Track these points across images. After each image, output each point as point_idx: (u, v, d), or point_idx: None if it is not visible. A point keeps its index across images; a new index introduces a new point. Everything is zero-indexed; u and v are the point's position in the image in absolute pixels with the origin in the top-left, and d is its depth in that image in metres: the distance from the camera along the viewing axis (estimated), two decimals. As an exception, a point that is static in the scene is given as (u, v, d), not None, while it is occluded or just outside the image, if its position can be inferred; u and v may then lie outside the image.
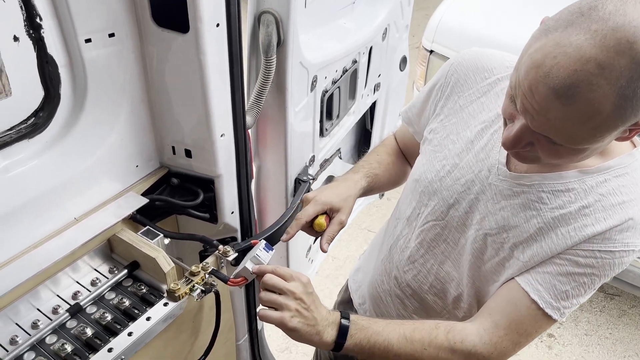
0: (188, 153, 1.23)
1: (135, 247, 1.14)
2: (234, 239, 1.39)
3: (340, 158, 2.16)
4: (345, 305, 1.64)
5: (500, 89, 1.16)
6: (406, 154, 1.48)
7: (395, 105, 2.26)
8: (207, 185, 1.26)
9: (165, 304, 1.10)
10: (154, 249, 1.14)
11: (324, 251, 1.28)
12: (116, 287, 1.15)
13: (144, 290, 1.13)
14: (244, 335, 1.62)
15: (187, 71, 1.09)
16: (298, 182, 1.61)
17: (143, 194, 1.23)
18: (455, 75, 1.22)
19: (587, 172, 1.04)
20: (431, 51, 3.06)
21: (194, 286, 1.12)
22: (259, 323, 1.75)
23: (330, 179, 2.08)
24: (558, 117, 0.85)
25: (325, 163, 2.00)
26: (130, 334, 1.04)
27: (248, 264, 1.15)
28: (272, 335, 2.77)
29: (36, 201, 1.04)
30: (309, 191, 1.61)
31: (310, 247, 1.97)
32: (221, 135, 1.18)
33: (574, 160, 0.99)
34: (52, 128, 1.05)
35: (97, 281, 1.14)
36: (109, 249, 1.19)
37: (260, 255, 1.16)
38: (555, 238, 1.05)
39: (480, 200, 1.14)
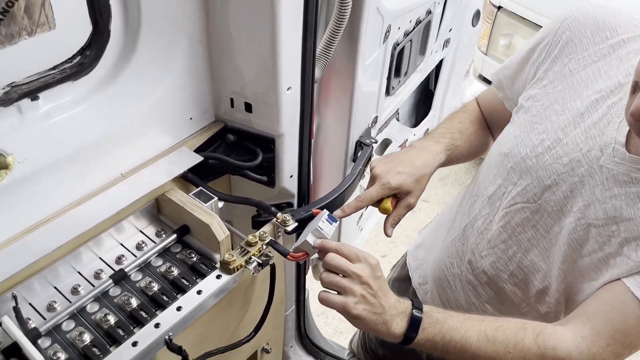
0: (248, 107, 1.08)
1: (186, 210, 1.01)
2: (290, 205, 1.26)
3: (398, 120, 1.99)
4: (402, 283, 1.51)
5: (624, 53, 0.97)
6: (490, 123, 1.30)
7: (462, 65, 2.05)
8: (267, 144, 1.11)
9: (219, 277, 0.98)
10: (208, 213, 1.01)
11: (388, 236, 1.13)
12: (164, 253, 1.03)
13: (195, 259, 1.01)
14: (291, 306, 1.51)
15: (255, 9, 0.93)
16: (359, 145, 1.46)
17: (196, 150, 1.10)
18: (567, 33, 1.03)
19: None
20: (499, 7, 2.80)
21: (250, 258, 1.00)
22: (306, 293, 1.64)
23: (385, 142, 1.92)
24: None
25: (384, 125, 1.84)
26: (179, 309, 0.92)
27: (309, 237, 1.02)
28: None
29: (80, 152, 0.91)
30: (370, 157, 1.45)
31: (361, 215, 1.83)
32: (288, 89, 1.03)
33: None
34: (100, 69, 0.91)
35: (143, 245, 1.03)
36: (157, 209, 1.07)
37: (323, 228, 1.03)
38: None
39: (586, 185, 0.97)
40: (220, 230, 0.99)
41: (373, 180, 1.14)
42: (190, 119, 1.07)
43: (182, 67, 1.00)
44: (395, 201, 1.14)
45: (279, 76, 1.00)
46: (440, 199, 3.49)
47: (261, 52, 0.98)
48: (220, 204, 1.08)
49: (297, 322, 1.60)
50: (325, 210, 1.09)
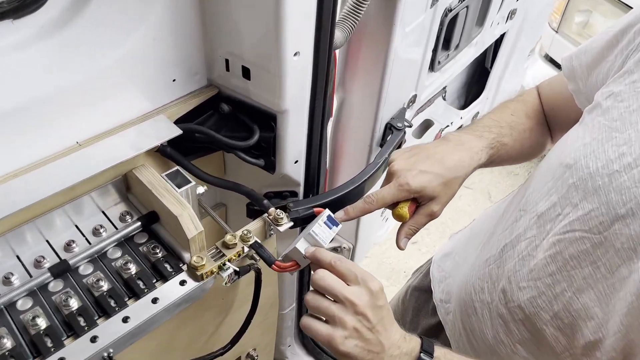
0: (246, 72, 0.86)
1: (154, 194, 0.82)
2: (294, 194, 1.05)
3: (444, 99, 1.73)
4: (422, 294, 1.29)
5: None
6: (551, 120, 1.04)
7: (527, 42, 1.76)
8: (267, 121, 0.90)
9: (183, 283, 0.79)
10: (179, 202, 0.81)
11: (400, 248, 0.91)
12: (125, 242, 0.84)
13: (159, 256, 0.82)
14: (290, 305, 1.32)
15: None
16: (390, 128, 1.22)
17: (181, 119, 0.89)
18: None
19: None
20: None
21: (224, 263, 0.80)
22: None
23: (426, 124, 1.67)
24: None
25: (427, 104, 1.59)
26: (126, 320, 0.74)
27: (301, 243, 0.81)
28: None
29: (23, 111, 0.73)
30: (401, 144, 1.22)
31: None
32: (294, 54, 0.80)
33: None
34: (50, 8, 0.71)
35: (101, 230, 0.84)
36: (125, 186, 0.88)
37: (319, 233, 0.82)
38: None
39: None
40: (192, 225, 0.79)
41: (390, 177, 0.91)
42: (174, 80, 0.86)
43: (163, 14, 0.78)
44: (415, 207, 0.90)
45: (283, 38, 0.77)
46: (485, 187, 3.20)
47: (263, 4, 0.76)
48: (201, 189, 0.88)
49: (297, 322, 1.41)
50: (327, 210, 0.88)
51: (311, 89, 0.88)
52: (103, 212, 0.87)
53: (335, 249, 1.56)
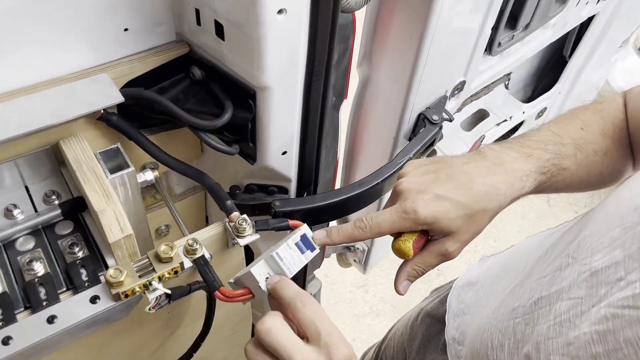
0: (219, 29, 0.64)
1: (78, 179, 0.63)
2: (283, 190, 0.84)
3: (507, 87, 1.45)
4: (434, 323, 1.07)
5: None
6: (637, 142, 0.76)
7: (620, 31, 1.43)
8: (244, 98, 0.68)
9: (95, 299, 0.60)
10: (105, 192, 0.61)
11: (399, 293, 0.68)
12: (43, 231, 0.66)
13: (78, 256, 0.64)
14: (279, 309, 1.12)
15: None
16: (423, 119, 0.98)
17: (137, 82, 0.69)
18: None
19: None
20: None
21: (150, 283, 0.60)
22: (309, 289, 1.25)
23: (480, 114, 1.40)
24: None
25: (484, 91, 1.32)
26: (6, 342, 0.56)
27: (260, 266, 0.61)
28: (345, 272, 2.29)
29: None
30: (433, 141, 0.97)
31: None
32: (278, 12, 0.57)
33: None
34: None
35: (15, 212, 0.66)
36: (57, 158, 0.70)
37: (284, 257, 0.61)
38: None
39: None
40: (116, 226, 0.60)
41: (395, 198, 0.67)
42: (125, 30, 0.65)
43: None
44: (424, 241, 0.67)
45: (262, -15, 0.54)
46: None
47: None
48: (148, 176, 0.68)
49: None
50: (304, 226, 0.66)
51: (307, 61, 0.66)
52: (26, 188, 0.69)
53: (347, 248, 1.35)
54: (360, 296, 2.35)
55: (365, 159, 1.06)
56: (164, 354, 0.80)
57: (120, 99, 0.63)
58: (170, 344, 0.80)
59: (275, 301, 0.62)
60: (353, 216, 1.22)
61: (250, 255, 0.96)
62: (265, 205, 0.83)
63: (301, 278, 1.10)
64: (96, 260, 0.64)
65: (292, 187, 0.84)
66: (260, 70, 0.63)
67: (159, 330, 0.77)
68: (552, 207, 2.70)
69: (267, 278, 0.61)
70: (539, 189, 0.71)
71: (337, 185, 1.04)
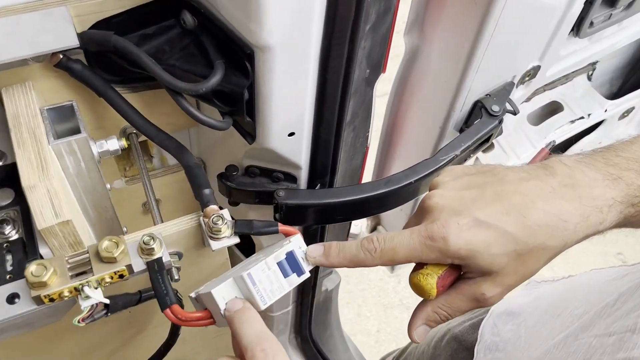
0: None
1: (12, 141, 0.49)
2: (291, 178, 0.68)
3: (589, 79, 1.22)
4: (461, 350, 0.90)
5: None
6: None
7: None
8: (239, 58, 0.52)
9: (13, 299, 0.47)
10: (40, 164, 0.47)
11: (414, 341, 0.51)
12: (-25, 201, 0.53)
13: (9, 238, 0.50)
14: (286, 307, 0.98)
15: None
16: (480, 108, 0.79)
17: (112, 23, 0.54)
18: None
19: None
20: None
21: (82, 287, 0.46)
22: (325, 284, 1.10)
23: (552, 107, 1.19)
24: None
25: (560, 80, 1.11)
26: None
27: (225, 286, 0.46)
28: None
29: None
30: (490, 136, 0.78)
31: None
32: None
33: None
34: None
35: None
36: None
37: (258, 280, 0.46)
38: None
39: None
40: (49, 208, 0.46)
41: (420, 215, 0.50)
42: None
43: None
44: (453, 278, 0.49)
45: None
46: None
47: None
48: (113, 145, 0.54)
49: (296, 322, 1.08)
50: (297, 236, 0.50)
51: (325, 17, 0.49)
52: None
53: (355, 236, 1.17)
54: (392, 286, 2.18)
55: (403, 150, 0.89)
56: (124, 356, 0.67)
57: (74, 42, 0.48)
58: (135, 346, 0.67)
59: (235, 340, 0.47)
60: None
61: (250, 247, 0.81)
62: (268, 193, 0.67)
63: (314, 270, 0.96)
64: (31, 246, 0.50)
65: (303, 176, 0.68)
66: (259, 24, 0.46)
67: (119, 330, 0.64)
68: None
69: (223, 309, 0.46)
70: (623, 224, 0.51)
71: (366, 177, 0.87)
